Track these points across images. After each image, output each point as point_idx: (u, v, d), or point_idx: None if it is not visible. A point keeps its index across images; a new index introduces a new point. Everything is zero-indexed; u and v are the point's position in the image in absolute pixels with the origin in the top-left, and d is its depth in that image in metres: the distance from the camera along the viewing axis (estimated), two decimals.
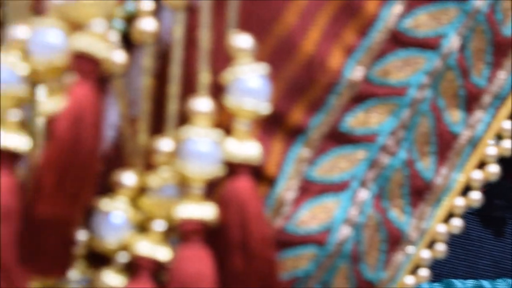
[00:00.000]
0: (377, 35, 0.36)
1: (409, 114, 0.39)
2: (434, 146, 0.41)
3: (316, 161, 0.38)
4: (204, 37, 0.32)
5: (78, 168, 0.31)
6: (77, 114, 0.30)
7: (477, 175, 0.39)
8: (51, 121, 0.30)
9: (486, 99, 0.39)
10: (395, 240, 0.41)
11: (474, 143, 0.40)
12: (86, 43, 0.30)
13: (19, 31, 0.31)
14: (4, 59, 0.30)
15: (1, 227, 0.31)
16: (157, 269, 0.33)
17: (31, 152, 0.32)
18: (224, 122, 0.32)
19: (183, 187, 0.32)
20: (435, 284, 0.47)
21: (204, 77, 0.32)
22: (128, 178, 0.33)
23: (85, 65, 0.30)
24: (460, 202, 0.40)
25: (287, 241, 0.38)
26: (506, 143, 0.40)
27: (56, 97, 0.30)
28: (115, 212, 0.32)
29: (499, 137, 0.40)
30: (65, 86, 0.30)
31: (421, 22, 0.37)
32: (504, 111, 0.39)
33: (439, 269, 0.47)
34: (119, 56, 0.32)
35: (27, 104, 0.32)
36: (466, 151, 0.40)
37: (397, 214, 0.40)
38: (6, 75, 0.30)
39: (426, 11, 0.37)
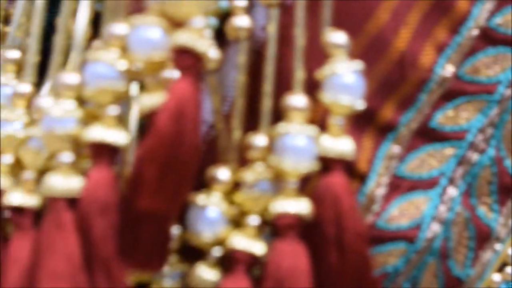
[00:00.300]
0: (468, 32, 0.36)
1: (497, 111, 0.39)
2: None
3: (405, 158, 0.39)
4: (299, 34, 0.33)
5: (179, 162, 0.31)
6: (179, 109, 0.31)
7: None
8: (152, 116, 0.30)
9: None
10: (483, 237, 0.41)
11: None
12: (188, 38, 0.31)
13: (118, 28, 0.31)
14: (104, 56, 0.30)
15: (100, 221, 0.31)
16: (252, 263, 0.33)
17: (126, 147, 0.32)
18: (317, 118, 0.33)
19: (278, 182, 0.33)
20: None
21: (299, 74, 0.33)
22: (223, 173, 0.33)
23: (187, 60, 0.31)
24: None
25: (378, 237, 0.39)
26: None
27: (155, 92, 0.31)
28: (211, 207, 0.33)
29: None
30: (164, 82, 0.31)
31: (510, 19, 0.37)
32: None
33: None
34: (214, 53, 0.32)
35: (124, 99, 0.32)
36: None
37: (485, 211, 0.41)
38: (106, 71, 0.31)
39: None
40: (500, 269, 0.42)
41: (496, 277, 0.42)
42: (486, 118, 0.40)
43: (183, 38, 0.31)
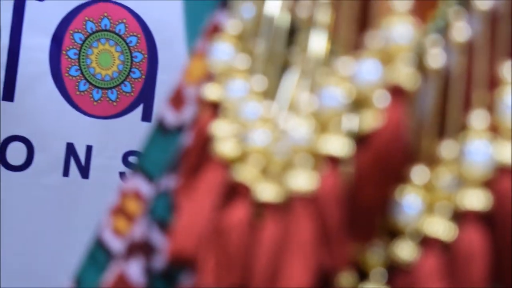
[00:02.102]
0: None
1: None
2: None
3: None
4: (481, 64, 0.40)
5: (391, 170, 0.39)
6: (393, 131, 0.38)
7: None
8: (370, 134, 0.39)
9: None
10: None
11: None
12: (400, 76, 0.39)
13: (346, 65, 0.40)
14: (335, 90, 0.39)
15: (334, 211, 0.40)
16: (444, 246, 0.40)
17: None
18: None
19: (462, 181, 0.39)
20: None
21: (480, 96, 0.39)
22: (421, 172, 0.40)
23: (398, 94, 0.39)
24: None
25: None
26: None
27: (371, 116, 0.39)
28: (412, 198, 0.40)
29: None
30: (378, 109, 0.39)
31: None
32: None
33: None
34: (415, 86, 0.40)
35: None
36: None
37: None
38: (335, 102, 0.40)
39: None
40: None
41: None
42: None
43: (396, 75, 0.39)
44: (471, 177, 0.40)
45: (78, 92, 1.29)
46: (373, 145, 0.39)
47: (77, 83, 1.30)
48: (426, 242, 0.41)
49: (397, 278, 0.42)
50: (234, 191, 0.44)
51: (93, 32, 1.30)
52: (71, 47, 1.29)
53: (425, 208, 0.41)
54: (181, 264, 0.46)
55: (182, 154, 0.49)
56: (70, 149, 1.32)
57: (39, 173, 1.32)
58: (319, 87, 0.41)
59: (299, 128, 0.40)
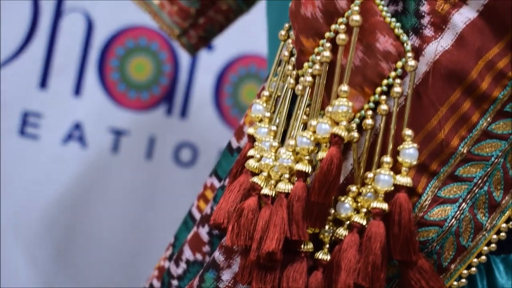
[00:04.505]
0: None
1: (491, 169, 0.56)
2: (502, 186, 0.57)
3: (442, 188, 0.56)
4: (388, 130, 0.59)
5: (331, 184, 0.52)
6: (332, 160, 0.52)
7: None
8: (320, 162, 0.53)
9: None
10: (478, 228, 0.57)
11: None
12: (338, 130, 0.54)
13: (312, 122, 0.60)
14: (306, 136, 0.56)
15: (299, 205, 0.53)
16: (362, 229, 0.53)
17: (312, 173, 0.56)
18: (396, 169, 0.58)
19: (375, 194, 0.55)
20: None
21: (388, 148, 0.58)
22: (355, 187, 0.56)
23: (335, 139, 0.53)
24: None
25: (424, 223, 0.55)
26: None
27: (322, 152, 0.56)
28: (346, 202, 0.56)
29: None
30: (326, 148, 0.55)
31: None
32: None
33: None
34: (355, 134, 0.58)
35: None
36: None
37: (481, 216, 0.57)
38: (306, 143, 0.56)
39: None
40: (487, 244, 0.57)
41: (485, 248, 0.57)
42: (483, 172, 0.56)
43: (336, 129, 0.54)
44: (380, 192, 0.54)
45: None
46: (321, 168, 0.53)
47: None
48: (352, 227, 0.54)
49: (336, 248, 0.54)
50: (252, 188, 0.57)
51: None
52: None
53: (354, 207, 0.56)
54: (218, 229, 0.58)
55: (234, 165, 0.63)
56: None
57: None
58: (298, 133, 0.57)
59: (286, 156, 0.56)
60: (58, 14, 1.45)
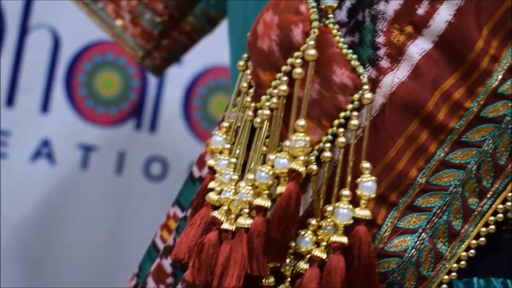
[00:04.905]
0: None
1: (450, 198, 0.56)
2: (461, 216, 0.57)
3: (401, 218, 0.56)
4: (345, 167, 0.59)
5: (290, 218, 0.52)
6: (290, 195, 0.52)
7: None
8: (280, 198, 0.53)
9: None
10: (438, 258, 0.57)
11: (483, 215, 0.57)
12: (296, 165, 0.54)
13: (271, 157, 0.59)
14: (265, 170, 0.56)
15: (259, 240, 0.52)
16: (323, 263, 0.52)
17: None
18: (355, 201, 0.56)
19: (335, 228, 0.55)
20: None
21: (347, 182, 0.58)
22: (314, 221, 0.56)
23: (293, 174, 0.53)
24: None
25: (384, 254, 0.56)
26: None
27: (281, 187, 0.55)
28: (306, 236, 0.56)
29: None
30: (285, 183, 0.55)
31: None
32: None
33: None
34: (314, 167, 0.58)
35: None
36: (478, 218, 0.57)
37: (440, 245, 0.57)
38: (265, 177, 0.55)
39: None
40: (448, 273, 0.58)
41: (445, 277, 0.57)
42: (442, 202, 0.56)
43: (293, 165, 0.54)
44: (339, 225, 0.54)
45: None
46: (279, 203, 0.53)
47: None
48: (313, 261, 0.54)
49: (297, 282, 0.54)
50: (212, 222, 0.57)
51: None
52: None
53: (314, 241, 0.55)
54: (179, 264, 0.58)
55: (195, 196, 0.62)
56: None
57: None
58: (257, 167, 0.57)
59: (245, 190, 0.56)
60: (24, 30, 1.45)
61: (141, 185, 1.47)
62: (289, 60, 0.58)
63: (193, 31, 0.95)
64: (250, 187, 0.57)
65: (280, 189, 0.55)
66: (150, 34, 0.91)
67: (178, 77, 1.47)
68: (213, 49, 1.40)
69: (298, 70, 0.57)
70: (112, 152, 1.46)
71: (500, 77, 0.56)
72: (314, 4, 0.58)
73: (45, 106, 1.45)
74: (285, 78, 0.58)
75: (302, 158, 0.55)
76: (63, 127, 1.45)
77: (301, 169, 0.56)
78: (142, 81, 1.46)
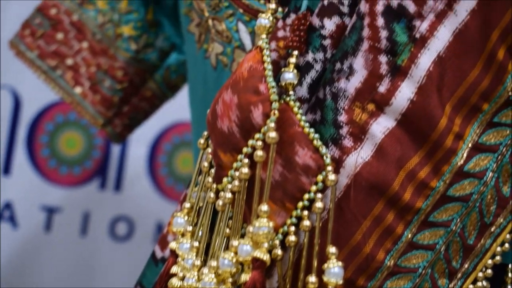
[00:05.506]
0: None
1: (419, 281, 0.57)
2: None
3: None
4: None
5: None
6: (255, 285, 0.52)
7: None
8: (245, 285, 0.53)
9: None
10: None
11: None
12: (260, 253, 0.53)
13: (234, 243, 0.57)
14: (228, 258, 0.55)
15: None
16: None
17: None
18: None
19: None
20: None
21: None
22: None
23: (257, 263, 0.53)
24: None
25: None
26: None
27: (245, 275, 0.55)
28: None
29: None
30: (249, 270, 0.54)
31: None
32: None
33: None
34: (279, 251, 0.57)
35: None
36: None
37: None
38: (228, 265, 0.55)
39: None
40: None
41: None
42: (412, 284, 0.56)
43: (256, 253, 0.54)
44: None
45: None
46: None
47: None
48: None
49: None
50: None
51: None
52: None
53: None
54: None
55: (157, 280, 0.61)
56: None
57: None
58: (220, 253, 0.56)
59: (208, 279, 0.55)
60: None
61: (107, 246, 1.45)
62: (250, 142, 0.56)
63: (154, 97, 0.93)
64: (213, 275, 0.56)
65: (245, 277, 0.54)
66: (110, 101, 0.90)
67: (142, 134, 1.44)
68: (177, 105, 1.38)
69: (260, 152, 0.56)
70: (77, 213, 1.43)
71: (465, 154, 0.55)
72: (273, 84, 0.56)
73: (6, 168, 1.42)
74: (246, 160, 0.57)
75: (265, 245, 0.53)
76: (26, 189, 1.43)
77: (265, 257, 0.54)
78: (106, 139, 1.44)
